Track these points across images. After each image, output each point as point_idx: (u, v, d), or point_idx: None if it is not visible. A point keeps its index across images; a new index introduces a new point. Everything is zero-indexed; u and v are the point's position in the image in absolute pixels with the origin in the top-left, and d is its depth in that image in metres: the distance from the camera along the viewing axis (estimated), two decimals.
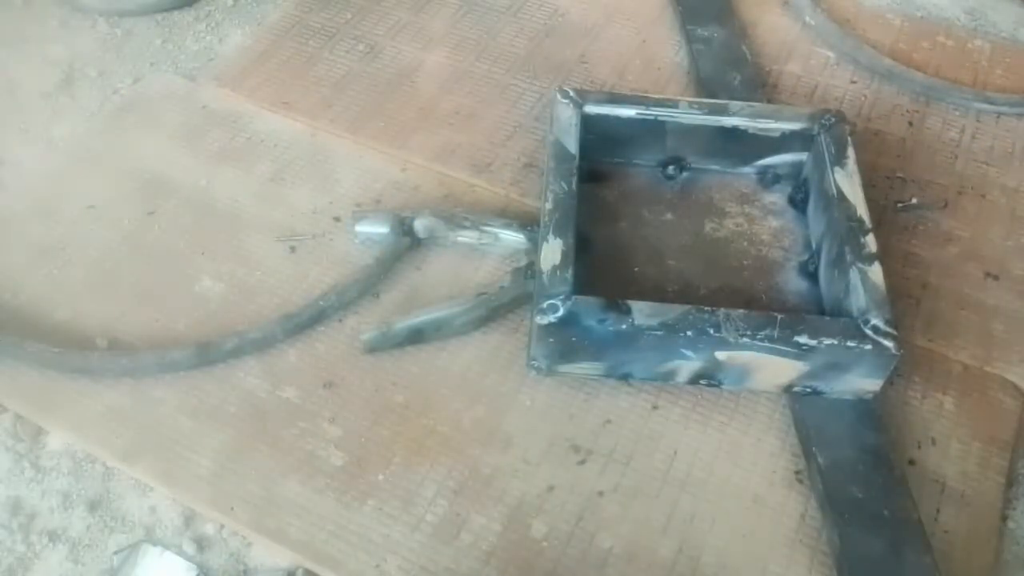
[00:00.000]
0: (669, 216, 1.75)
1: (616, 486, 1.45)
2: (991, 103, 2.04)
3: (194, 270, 1.69)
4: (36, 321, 1.60)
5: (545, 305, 1.46)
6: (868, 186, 1.67)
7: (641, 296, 1.49)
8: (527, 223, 1.71)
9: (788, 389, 1.53)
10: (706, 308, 1.47)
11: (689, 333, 1.45)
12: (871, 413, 1.51)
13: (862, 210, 1.60)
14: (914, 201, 1.85)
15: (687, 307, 1.46)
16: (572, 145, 1.68)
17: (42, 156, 1.88)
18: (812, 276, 1.66)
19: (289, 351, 1.58)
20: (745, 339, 1.44)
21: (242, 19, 2.20)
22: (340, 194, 1.81)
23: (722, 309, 1.47)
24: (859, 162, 1.67)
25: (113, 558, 1.37)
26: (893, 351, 1.44)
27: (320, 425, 1.50)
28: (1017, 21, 2.29)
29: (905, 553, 1.36)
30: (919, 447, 1.51)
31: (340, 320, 1.62)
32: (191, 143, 1.90)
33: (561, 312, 1.45)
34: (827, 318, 1.51)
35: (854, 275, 1.51)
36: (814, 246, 1.68)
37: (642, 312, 1.46)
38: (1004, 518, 1.48)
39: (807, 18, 2.19)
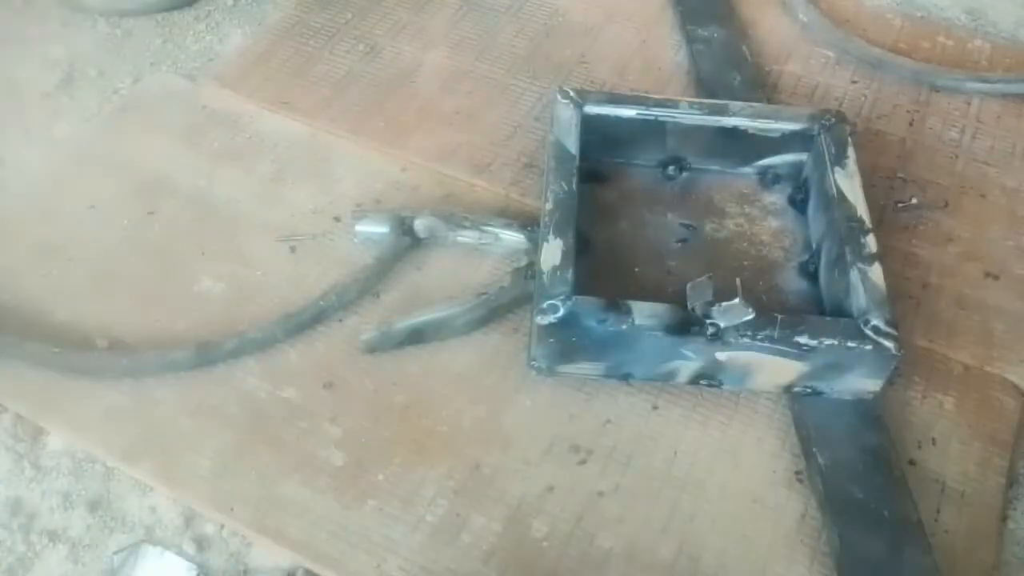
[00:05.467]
0: (669, 216, 1.75)
1: (616, 486, 1.45)
2: (985, 82, 2.06)
3: (194, 270, 1.69)
4: (36, 321, 1.60)
5: (545, 305, 1.46)
6: (868, 186, 1.67)
7: (641, 296, 1.49)
8: (527, 223, 1.71)
9: (788, 389, 1.53)
10: None
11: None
12: (871, 413, 1.51)
13: (862, 210, 1.60)
14: (914, 201, 1.85)
15: (687, 307, 1.47)
16: (572, 145, 1.68)
17: (42, 156, 1.88)
18: (812, 276, 1.66)
19: (289, 351, 1.58)
20: (745, 339, 1.44)
21: (242, 19, 2.20)
22: (340, 194, 1.81)
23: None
24: (859, 162, 1.67)
25: (113, 558, 1.37)
26: (893, 351, 1.44)
27: (320, 425, 1.50)
28: (1017, 21, 2.29)
29: (905, 553, 1.36)
30: (919, 447, 1.51)
31: (340, 320, 1.62)
32: (191, 143, 1.90)
33: (561, 312, 1.45)
34: (827, 318, 1.51)
35: (854, 275, 1.51)
36: (814, 246, 1.68)
37: (642, 312, 1.46)
38: (1004, 518, 1.48)
39: (800, 15, 2.19)
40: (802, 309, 1.61)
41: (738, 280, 1.45)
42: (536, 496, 1.44)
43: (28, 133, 1.93)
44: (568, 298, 1.46)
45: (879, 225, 1.68)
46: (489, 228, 1.71)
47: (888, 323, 1.45)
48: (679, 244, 1.71)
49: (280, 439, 1.48)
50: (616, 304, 1.47)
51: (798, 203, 1.77)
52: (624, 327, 1.45)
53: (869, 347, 1.44)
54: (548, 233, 1.55)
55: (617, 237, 1.72)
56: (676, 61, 2.12)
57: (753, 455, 1.49)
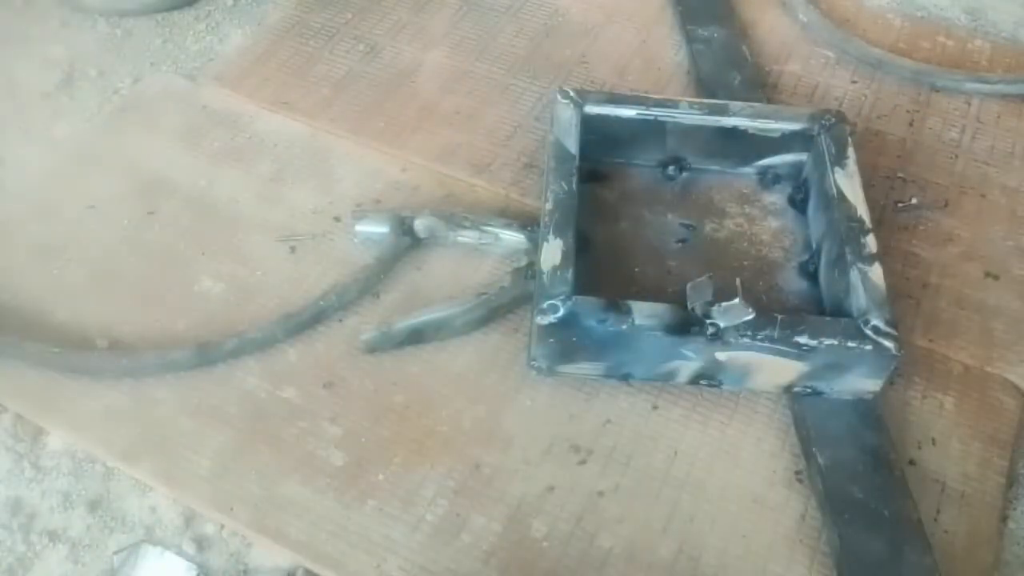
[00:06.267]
0: (669, 216, 1.75)
1: (616, 486, 1.45)
2: (985, 82, 2.06)
3: (194, 270, 1.69)
4: (36, 321, 1.60)
5: (545, 305, 1.46)
6: (868, 186, 1.67)
7: (641, 296, 1.49)
8: (527, 223, 1.71)
9: (788, 389, 1.53)
10: None
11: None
12: (871, 413, 1.51)
13: (862, 210, 1.60)
14: (914, 201, 1.85)
15: (687, 307, 1.47)
16: (572, 145, 1.68)
17: (42, 156, 1.88)
18: (812, 276, 1.66)
19: (289, 351, 1.58)
20: (745, 339, 1.44)
21: (242, 19, 2.20)
22: (340, 194, 1.81)
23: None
24: (859, 162, 1.67)
25: (113, 558, 1.37)
26: (893, 351, 1.44)
27: (320, 425, 1.49)
28: (1017, 21, 2.29)
29: (905, 553, 1.36)
30: (919, 447, 1.51)
31: (340, 320, 1.62)
32: (191, 143, 1.90)
33: (561, 312, 1.45)
34: (827, 318, 1.51)
35: (854, 275, 1.51)
36: (814, 246, 1.68)
37: (642, 312, 1.46)
38: (1004, 518, 1.48)
39: (800, 15, 2.19)
40: (802, 309, 1.61)
41: (738, 280, 1.46)
42: (536, 496, 1.44)
43: (28, 133, 1.93)
44: (568, 298, 1.46)
45: (879, 225, 1.68)
46: (489, 228, 1.71)
47: (888, 323, 1.45)
48: (679, 244, 1.71)
49: (280, 439, 1.48)
50: (616, 304, 1.46)
51: (798, 203, 1.77)
52: (624, 327, 1.45)
53: (869, 347, 1.44)
54: (548, 233, 1.55)
55: (617, 237, 1.72)
56: (676, 61, 2.12)
57: (753, 455, 1.49)
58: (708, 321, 1.43)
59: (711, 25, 2.14)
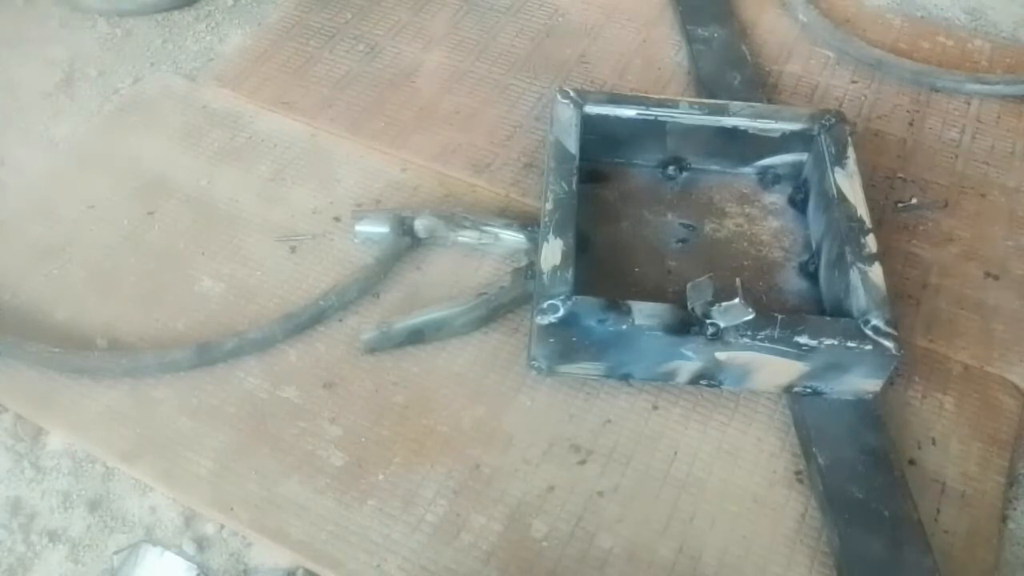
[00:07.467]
0: (669, 216, 1.75)
1: (616, 486, 1.45)
2: (985, 83, 2.06)
3: (194, 270, 1.69)
4: (36, 321, 1.60)
5: (545, 305, 1.46)
6: (868, 186, 1.67)
7: (641, 296, 1.49)
8: (527, 223, 1.71)
9: (788, 389, 1.53)
10: None
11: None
12: (871, 413, 1.51)
13: (862, 210, 1.60)
14: (914, 201, 1.85)
15: (687, 307, 1.46)
16: (572, 145, 1.68)
17: (42, 156, 1.88)
18: (812, 276, 1.66)
19: (289, 351, 1.58)
20: (745, 339, 1.44)
21: (242, 19, 2.20)
22: (340, 194, 1.81)
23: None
24: (859, 162, 1.68)
25: (113, 558, 1.37)
26: (893, 351, 1.44)
27: (320, 425, 1.50)
28: (1017, 21, 2.29)
29: (905, 553, 1.36)
30: (919, 447, 1.51)
31: (340, 320, 1.62)
32: (191, 143, 1.90)
33: (561, 312, 1.45)
34: (827, 318, 1.51)
35: (854, 275, 1.51)
36: (814, 246, 1.68)
37: (642, 312, 1.46)
38: (1004, 518, 1.48)
39: (800, 15, 2.19)
40: (802, 309, 1.61)
41: (738, 280, 1.46)
42: (536, 496, 1.44)
43: (28, 133, 1.93)
44: (568, 298, 1.46)
45: (879, 225, 1.69)
46: (489, 228, 1.71)
47: (888, 323, 1.45)
48: (679, 244, 1.71)
49: (280, 439, 1.48)
50: (616, 304, 1.46)
51: (798, 203, 1.77)
52: (624, 327, 1.45)
53: (869, 347, 1.44)
54: (548, 233, 1.55)
55: (617, 237, 1.72)
56: (676, 61, 2.12)
57: (753, 455, 1.49)
58: (708, 321, 1.43)
59: (711, 25, 2.14)
